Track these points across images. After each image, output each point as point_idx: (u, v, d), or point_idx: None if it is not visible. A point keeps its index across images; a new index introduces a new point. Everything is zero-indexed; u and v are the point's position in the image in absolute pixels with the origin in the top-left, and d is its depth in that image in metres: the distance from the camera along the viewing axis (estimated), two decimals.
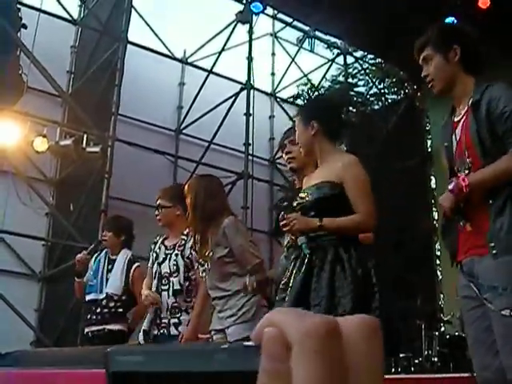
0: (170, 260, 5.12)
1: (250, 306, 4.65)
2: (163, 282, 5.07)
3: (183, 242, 5.14)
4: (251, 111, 10.48)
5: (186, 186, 4.85)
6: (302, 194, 3.68)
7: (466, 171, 3.16)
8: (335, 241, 3.54)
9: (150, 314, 5.09)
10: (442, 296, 11.65)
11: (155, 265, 5.14)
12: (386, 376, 7.43)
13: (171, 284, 5.05)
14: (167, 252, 5.18)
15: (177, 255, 5.12)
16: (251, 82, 10.73)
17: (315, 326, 0.51)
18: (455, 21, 9.74)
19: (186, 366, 1.54)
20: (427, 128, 13.23)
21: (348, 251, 3.49)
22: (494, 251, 3.00)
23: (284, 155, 4.52)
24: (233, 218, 4.75)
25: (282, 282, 3.61)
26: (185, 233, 5.16)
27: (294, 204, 3.69)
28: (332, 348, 0.52)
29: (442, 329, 9.63)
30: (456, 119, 3.32)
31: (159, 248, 5.24)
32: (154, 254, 5.23)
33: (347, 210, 3.55)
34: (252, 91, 10.71)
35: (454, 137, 3.29)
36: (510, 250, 2.98)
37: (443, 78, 3.29)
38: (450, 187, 3.09)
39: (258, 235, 10.43)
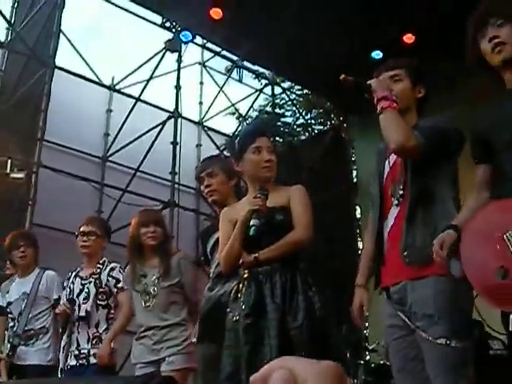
0: (84, 290, 5.09)
1: (190, 339, 4.64)
2: None
3: (98, 270, 5.15)
4: (178, 140, 10.44)
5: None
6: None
7: (401, 192, 3.22)
8: (295, 264, 3.59)
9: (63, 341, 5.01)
10: (366, 325, 11.73)
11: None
12: None
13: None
14: (83, 282, 5.14)
15: (90, 283, 5.11)
16: (179, 110, 10.70)
17: (328, 368, 0.53)
18: (381, 55, 9.97)
19: None
20: (353, 158, 13.40)
21: (309, 275, 3.58)
22: (407, 260, 3.06)
23: (203, 188, 4.50)
24: (184, 252, 4.79)
25: (248, 306, 3.54)
26: (101, 262, 5.15)
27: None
28: None
29: (368, 357, 9.70)
30: None
31: (72, 282, 5.19)
32: (68, 289, 5.18)
33: None
34: (179, 120, 10.67)
35: (387, 162, 3.35)
36: (422, 262, 3.03)
37: (403, 102, 3.36)
38: None
39: None
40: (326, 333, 3.45)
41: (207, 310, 4.27)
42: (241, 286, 3.60)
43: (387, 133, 3.06)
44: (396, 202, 3.27)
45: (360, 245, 12.39)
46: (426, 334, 2.98)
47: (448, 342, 2.93)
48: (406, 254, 3.09)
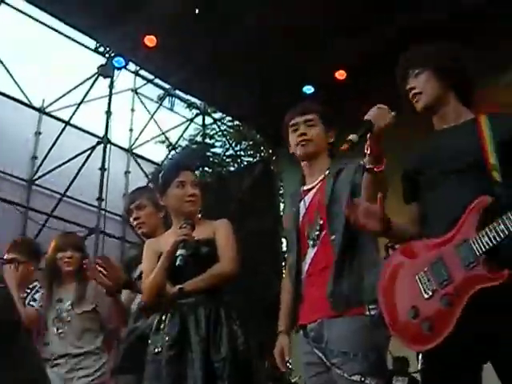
0: None
1: (104, 369, 4.53)
2: None
3: (26, 294, 4.95)
4: (106, 166, 10.33)
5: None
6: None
7: (317, 232, 3.25)
8: (222, 301, 3.58)
9: None
10: (289, 359, 11.74)
11: None
12: None
13: None
14: None
15: None
16: (108, 136, 10.59)
17: None
18: (312, 89, 10.10)
19: None
20: (281, 191, 13.49)
21: (233, 307, 3.57)
22: (334, 306, 3.08)
23: (132, 220, 4.46)
24: None
25: (171, 338, 3.49)
26: (31, 286, 4.97)
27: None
28: None
29: None
30: (306, 188, 3.45)
31: None
32: None
33: None
34: (108, 146, 10.56)
35: (303, 203, 3.39)
36: (350, 308, 3.06)
37: (318, 146, 3.45)
38: None
39: None
40: (249, 366, 3.44)
41: (131, 342, 4.19)
42: (164, 317, 3.58)
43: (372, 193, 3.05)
44: (312, 243, 3.31)
45: None
46: (341, 371, 2.99)
47: (363, 379, 2.95)
48: (331, 300, 3.10)
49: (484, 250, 2.40)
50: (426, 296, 2.55)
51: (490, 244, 2.38)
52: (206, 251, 3.62)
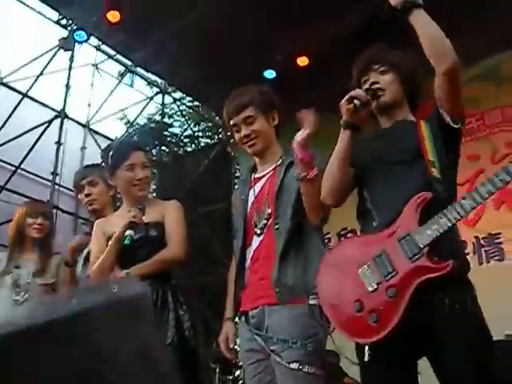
0: None
1: None
2: None
3: None
4: (63, 140, 10.20)
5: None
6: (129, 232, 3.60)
7: (265, 221, 3.28)
8: (169, 279, 3.67)
9: None
10: (237, 340, 11.80)
11: None
12: None
13: None
14: None
15: None
16: (66, 110, 10.46)
17: None
18: (274, 73, 10.10)
19: None
20: (236, 174, 13.50)
21: (181, 291, 3.66)
22: (279, 296, 3.12)
23: (83, 196, 4.42)
24: (63, 256, 4.65)
25: None
26: None
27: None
28: None
29: (237, 373, 9.77)
30: (257, 175, 3.47)
31: None
32: None
33: None
34: (66, 120, 10.44)
35: (252, 191, 3.41)
36: (294, 298, 3.10)
37: (265, 139, 3.43)
38: None
39: None
40: (195, 351, 3.47)
41: None
42: None
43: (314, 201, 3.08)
44: (259, 231, 3.35)
45: None
46: (279, 358, 3.05)
47: (300, 367, 3.01)
48: (277, 290, 3.15)
49: (428, 242, 2.48)
50: (370, 289, 2.64)
51: (433, 236, 2.48)
52: (154, 235, 3.64)
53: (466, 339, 2.51)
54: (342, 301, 2.73)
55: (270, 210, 3.33)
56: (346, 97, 2.83)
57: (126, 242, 3.48)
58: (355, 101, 2.80)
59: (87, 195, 4.37)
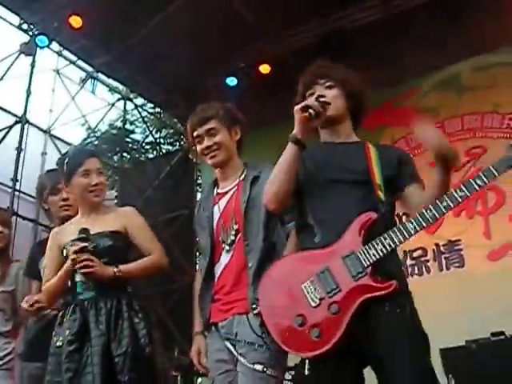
0: None
1: (14, 354, 4.48)
2: None
3: None
4: (23, 146, 10.11)
5: None
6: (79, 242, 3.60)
7: (232, 237, 3.34)
8: (125, 288, 3.64)
9: None
10: None
11: None
12: None
13: None
14: None
15: None
16: (27, 116, 10.37)
17: None
18: (236, 81, 10.14)
19: None
20: (198, 181, 13.50)
21: (137, 299, 3.64)
22: (255, 311, 3.15)
23: (58, 200, 4.36)
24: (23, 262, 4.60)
25: (71, 333, 3.50)
26: None
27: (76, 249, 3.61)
28: None
29: (199, 380, 9.77)
30: (220, 191, 3.50)
31: None
32: None
33: (127, 259, 3.60)
34: (27, 125, 10.36)
35: (217, 207, 3.45)
36: None
37: (226, 151, 3.54)
38: None
39: None
40: (151, 359, 3.46)
41: (39, 329, 4.15)
42: (66, 311, 3.60)
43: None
44: (227, 247, 3.39)
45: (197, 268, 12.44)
46: (245, 360, 3.12)
47: (264, 369, 3.09)
48: (254, 307, 3.17)
49: (371, 261, 2.55)
50: (313, 304, 2.68)
51: (377, 256, 2.55)
52: (107, 245, 3.64)
53: (406, 341, 2.57)
54: (284, 315, 2.75)
55: (236, 226, 3.38)
56: (301, 105, 2.83)
57: (77, 278, 3.58)
58: (310, 110, 2.81)
59: (64, 199, 4.30)
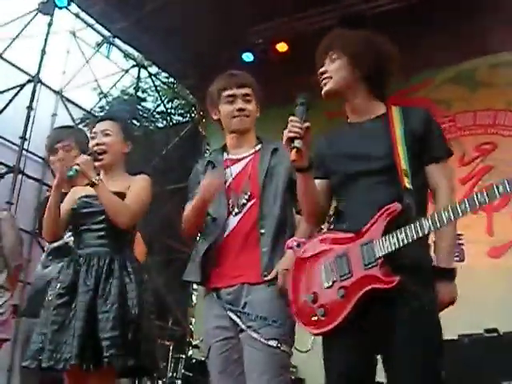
0: None
1: (6, 307, 4.49)
2: None
3: None
4: (34, 105, 10.11)
5: None
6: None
7: (244, 201, 3.35)
8: (121, 250, 3.66)
9: None
10: (193, 320, 11.81)
11: None
12: None
13: None
14: None
15: None
16: (40, 76, 10.36)
17: None
18: (252, 57, 10.10)
19: None
20: (206, 155, 13.49)
21: (133, 264, 3.61)
22: (266, 278, 3.21)
23: (54, 159, 4.36)
24: (9, 213, 4.59)
25: (61, 287, 3.53)
26: None
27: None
28: None
29: (190, 352, 9.81)
30: (231, 157, 3.49)
31: None
32: None
33: None
34: (39, 85, 10.35)
35: (229, 171, 3.43)
36: (276, 279, 3.21)
37: (251, 122, 3.64)
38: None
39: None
40: (137, 323, 3.45)
41: (41, 286, 4.16)
42: (62, 267, 3.66)
43: None
44: (236, 210, 3.39)
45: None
46: (257, 335, 3.12)
47: (279, 345, 3.11)
48: (265, 274, 3.22)
49: (383, 253, 2.54)
50: (326, 285, 2.70)
51: (390, 249, 2.54)
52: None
53: (420, 336, 2.56)
54: (302, 290, 2.79)
55: (250, 192, 3.39)
56: (285, 138, 2.73)
57: (70, 173, 3.53)
58: (295, 142, 2.70)
59: (61, 160, 4.29)
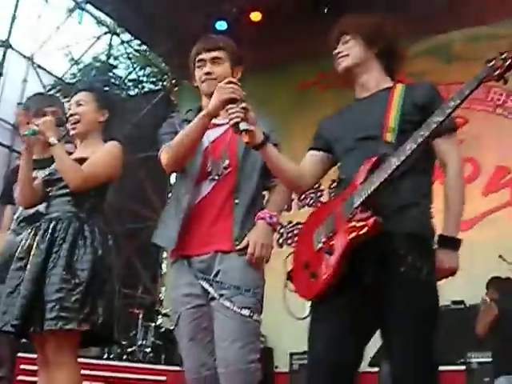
0: None
1: None
2: None
3: None
4: (4, 71, 10.00)
5: None
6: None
7: (223, 170, 3.33)
8: (82, 215, 3.62)
9: None
10: (163, 289, 11.84)
11: None
12: (99, 362, 7.46)
13: None
14: None
15: None
16: (10, 41, 10.23)
17: None
18: (225, 25, 10.07)
19: None
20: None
21: (92, 229, 3.58)
22: (238, 247, 3.21)
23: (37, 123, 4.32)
24: None
25: (19, 251, 3.54)
26: None
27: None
28: None
29: (159, 321, 9.85)
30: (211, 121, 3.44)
31: None
32: None
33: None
34: (9, 50, 10.23)
35: (205, 136, 3.39)
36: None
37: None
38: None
39: None
40: (86, 287, 3.42)
41: (10, 254, 4.13)
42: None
43: None
44: (213, 177, 3.35)
45: None
46: (230, 303, 3.11)
47: (251, 314, 3.12)
48: (237, 243, 3.21)
49: (360, 200, 2.56)
50: (316, 248, 2.74)
51: (366, 194, 2.56)
52: None
53: (416, 308, 2.59)
54: (298, 260, 2.88)
55: (228, 161, 3.34)
56: (232, 123, 2.83)
57: (27, 132, 3.57)
58: (240, 125, 2.79)
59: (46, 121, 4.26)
